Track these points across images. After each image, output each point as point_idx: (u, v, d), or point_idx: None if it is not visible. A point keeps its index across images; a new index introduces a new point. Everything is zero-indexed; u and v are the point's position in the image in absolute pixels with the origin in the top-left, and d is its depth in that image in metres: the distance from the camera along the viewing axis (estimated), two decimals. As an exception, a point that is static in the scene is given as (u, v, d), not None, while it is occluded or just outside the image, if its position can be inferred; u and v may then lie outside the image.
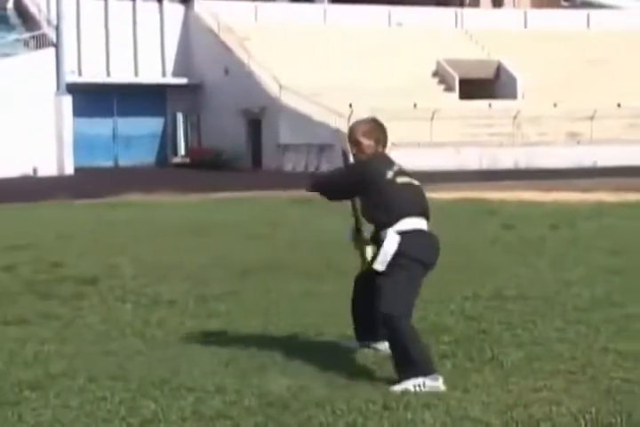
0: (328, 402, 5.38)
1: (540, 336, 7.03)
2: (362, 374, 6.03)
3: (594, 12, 52.68)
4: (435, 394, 5.55)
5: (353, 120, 6.40)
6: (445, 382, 5.73)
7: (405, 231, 5.91)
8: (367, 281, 6.19)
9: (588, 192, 23.17)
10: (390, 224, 5.92)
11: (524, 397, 5.48)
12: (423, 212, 6.04)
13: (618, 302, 8.32)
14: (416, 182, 6.13)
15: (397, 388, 5.67)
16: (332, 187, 6.23)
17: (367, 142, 6.09)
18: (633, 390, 5.60)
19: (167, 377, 5.97)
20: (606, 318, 7.61)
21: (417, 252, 5.90)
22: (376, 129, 6.16)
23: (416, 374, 5.69)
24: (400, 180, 6.01)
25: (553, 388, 5.66)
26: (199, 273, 10.47)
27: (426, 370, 5.72)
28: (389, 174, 5.98)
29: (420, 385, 5.65)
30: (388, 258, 5.86)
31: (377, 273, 5.94)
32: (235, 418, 5.17)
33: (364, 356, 6.45)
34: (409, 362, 5.74)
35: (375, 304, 5.94)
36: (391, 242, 5.87)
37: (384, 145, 6.15)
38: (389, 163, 6.09)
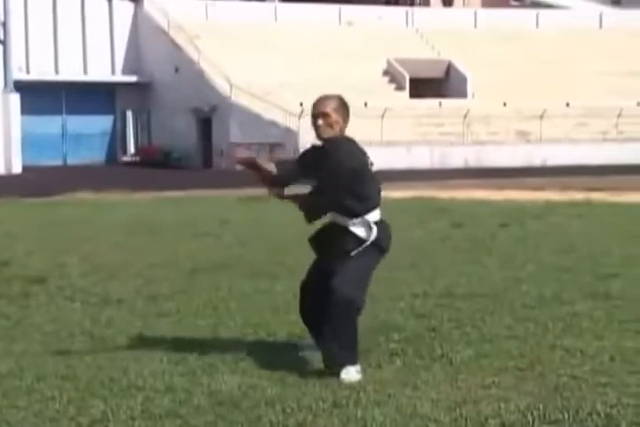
0: (278, 400, 5.38)
1: (489, 334, 7.07)
2: (312, 372, 6.03)
3: (543, 12, 53.15)
4: (385, 392, 5.56)
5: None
6: (395, 379, 5.75)
7: (376, 222, 6.00)
8: (316, 282, 6.13)
9: (538, 191, 23.40)
10: (362, 214, 5.95)
11: (473, 394, 5.51)
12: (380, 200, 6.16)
13: (566, 300, 8.40)
14: None
15: (346, 377, 5.79)
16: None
17: (335, 117, 5.96)
18: (580, 386, 5.65)
19: (116, 376, 5.93)
20: (554, 316, 7.68)
21: (383, 241, 6.02)
22: (344, 106, 6.06)
23: (353, 362, 5.88)
24: (373, 168, 6.07)
25: (502, 385, 5.70)
26: (149, 272, 10.42)
27: (357, 359, 5.93)
28: (369, 162, 6.01)
29: (358, 372, 5.86)
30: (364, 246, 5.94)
31: (341, 257, 5.92)
32: (184, 417, 5.15)
33: (315, 354, 6.45)
34: (351, 348, 5.89)
35: (334, 287, 5.84)
36: (374, 233, 5.94)
37: (346, 125, 6.07)
38: (362, 149, 6.06)
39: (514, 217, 16.58)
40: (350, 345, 5.90)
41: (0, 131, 38.85)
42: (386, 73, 46.23)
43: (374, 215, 6.01)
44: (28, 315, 8.11)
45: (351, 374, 5.83)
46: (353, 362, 5.88)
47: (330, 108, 5.97)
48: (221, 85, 42.09)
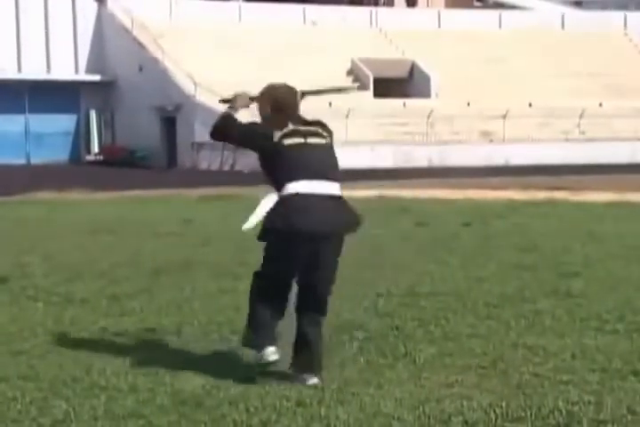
0: (242, 400, 5.37)
1: (452, 332, 7.11)
2: (276, 371, 6.03)
3: (505, 13, 53.46)
4: (348, 391, 5.56)
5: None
6: (359, 378, 5.76)
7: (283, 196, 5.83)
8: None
9: (500, 190, 23.51)
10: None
11: (436, 392, 5.53)
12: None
13: (528, 298, 8.46)
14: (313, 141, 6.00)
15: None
16: None
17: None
18: (542, 384, 5.69)
19: (79, 376, 5.90)
20: (517, 314, 7.72)
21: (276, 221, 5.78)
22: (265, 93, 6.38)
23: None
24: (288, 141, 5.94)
25: (464, 383, 5.72)
26: (112, 271, 10.37)
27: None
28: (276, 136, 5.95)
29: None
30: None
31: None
32: (147, 417, 5.13)
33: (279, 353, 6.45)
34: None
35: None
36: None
37: (275, 115, 6.20)
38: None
39: (477, 216, 16.65)
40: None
41: (-39, 130, 38.56)
42: (350, 73, 46.29)
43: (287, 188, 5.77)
44: (-11, 315, 8.04)
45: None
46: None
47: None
48: (185, 84, 41.97)
